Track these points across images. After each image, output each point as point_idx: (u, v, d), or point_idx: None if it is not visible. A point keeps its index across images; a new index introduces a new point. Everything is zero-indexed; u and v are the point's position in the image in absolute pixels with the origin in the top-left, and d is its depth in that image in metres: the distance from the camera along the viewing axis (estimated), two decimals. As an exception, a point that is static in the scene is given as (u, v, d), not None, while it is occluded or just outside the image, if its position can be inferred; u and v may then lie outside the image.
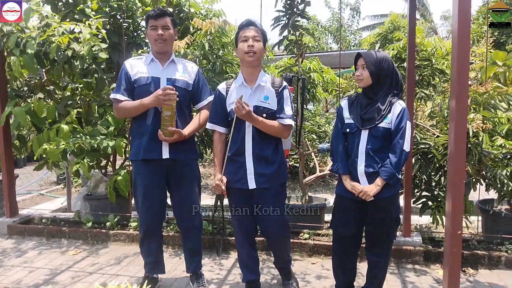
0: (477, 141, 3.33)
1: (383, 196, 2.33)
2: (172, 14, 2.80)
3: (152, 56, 2.76)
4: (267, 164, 2.52)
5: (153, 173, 2.72)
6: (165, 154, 2.69)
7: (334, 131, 2.55)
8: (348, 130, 2.43)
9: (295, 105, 3.45)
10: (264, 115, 2.46)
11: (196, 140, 3.59)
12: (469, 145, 3.25)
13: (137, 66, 2.74)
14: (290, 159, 6.29)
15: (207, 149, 4.40)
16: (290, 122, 2.52)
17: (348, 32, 16.57)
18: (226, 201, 2.75)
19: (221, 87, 2.65)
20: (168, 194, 2.88)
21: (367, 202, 2.35)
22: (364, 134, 2.35)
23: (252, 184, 2.51)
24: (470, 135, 3.24)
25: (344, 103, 2.52)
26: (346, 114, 2.46)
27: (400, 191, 3.68)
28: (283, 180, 2.63)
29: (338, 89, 5.75)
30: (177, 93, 2.57)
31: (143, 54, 4.23)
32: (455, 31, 2.10)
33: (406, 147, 2.28)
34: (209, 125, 2.66)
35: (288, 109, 2.53)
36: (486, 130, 3.32)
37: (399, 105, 2.32)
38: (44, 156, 3.88)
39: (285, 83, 2.59)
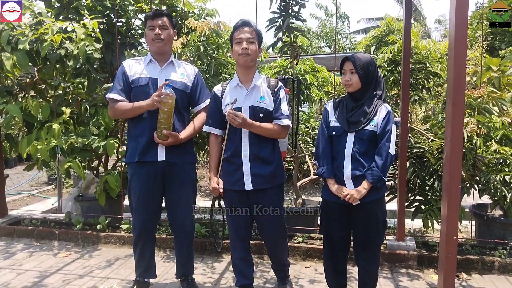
0: (471, 145, 3.33)
1: (369, 199, 2.32)
2: (170, 14, 2.76)
3: (151, 57, 2.72)
4: (264, 165, 2.50)
5: (149, 176, 2.67)
6: (161, 156, 2.65)
7: (319, 134, 2.52)
8: (334, 133, 2.41)
9: (290, 107, 3.42)
10: (261, 115, 2.45)
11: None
12: (463, 150, 3.25)
13: (136, 66, 2.71)
14: (285, 161, 6.28)
15: (200, 151, 4.36)
16: (288, 122, 2.51)
17: (339, 36, 16.64)
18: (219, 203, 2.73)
19: (217, 89, 2.63)
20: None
21: (353, 206, 2.33)
22: (351, 137, 2.34)
23: (249, 186, 2.49)
24: (465, 140, 3.24)
25: (329, 106, 2.51)
26: (331, 117, 2.45)
27: (392, 195, 3.71)
28: (281, 181, 2.60)
29: (333, 92, 5.73)
30: (174, 95, 2.52)
31: (137, 55, 4.20)
32: (452, 36, 2.08)
33: (392, 150, 2.28)
34: (205, 128, 2.64)
35: (285, 109, 2.52)
36: (480, 134, 3.32)
37: (384, 108, 2.32)
38: (33, 155, 3.80)
39: (280, 84, 2.59)
